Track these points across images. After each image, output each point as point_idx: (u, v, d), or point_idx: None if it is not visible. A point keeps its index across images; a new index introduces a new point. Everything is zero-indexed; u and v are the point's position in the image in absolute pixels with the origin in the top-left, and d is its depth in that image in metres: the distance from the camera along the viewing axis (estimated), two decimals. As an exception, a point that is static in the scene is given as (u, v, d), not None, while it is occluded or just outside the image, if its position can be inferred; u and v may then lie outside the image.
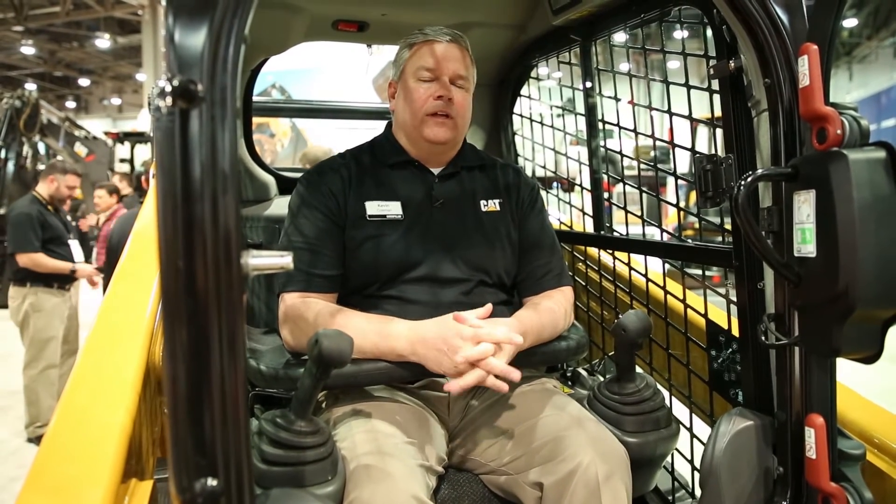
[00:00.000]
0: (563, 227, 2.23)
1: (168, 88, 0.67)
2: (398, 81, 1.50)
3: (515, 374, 1.22)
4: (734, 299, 1.35)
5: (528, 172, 2.29)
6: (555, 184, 2.41)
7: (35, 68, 24.03)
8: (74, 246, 5.93)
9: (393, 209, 1.43)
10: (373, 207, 1.43)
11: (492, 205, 1.52)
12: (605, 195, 1.99)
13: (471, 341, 1.20)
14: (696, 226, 1.65)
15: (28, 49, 21.53)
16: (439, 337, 1.22)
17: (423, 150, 1.49)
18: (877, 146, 0.99)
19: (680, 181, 1.67)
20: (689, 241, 1.67)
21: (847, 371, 1.15)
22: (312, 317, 1.29)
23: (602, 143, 1.97)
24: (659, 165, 1.71)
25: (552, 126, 2.20)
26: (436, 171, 1.51)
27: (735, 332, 1.40)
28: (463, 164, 1.53)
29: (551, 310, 1.43)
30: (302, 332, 1.30)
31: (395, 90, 1.51)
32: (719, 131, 1.34)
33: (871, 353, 1.02)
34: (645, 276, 1.80)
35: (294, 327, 1.32)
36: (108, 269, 3.95)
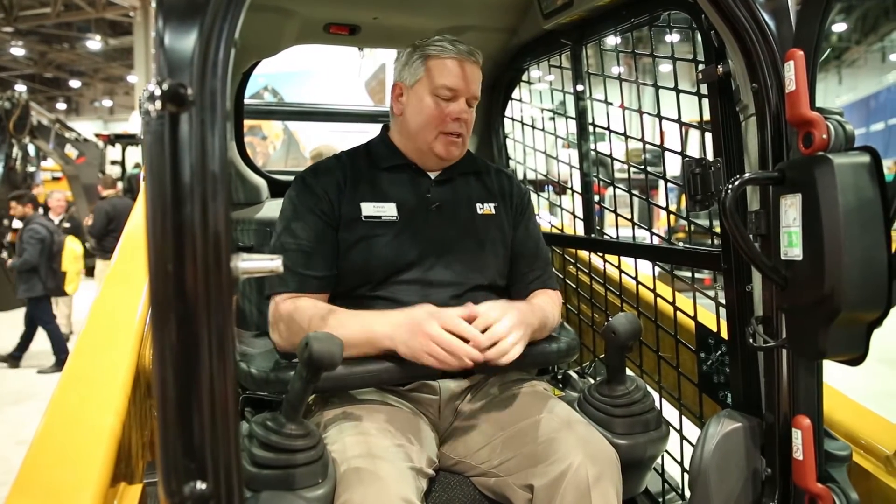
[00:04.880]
0: (554, 230, 2.24)
1: (158, 92, 0.67)
2: (410, 88, 1.46)
3: (477, 356, 1.19)
4: (723, 302, 1.36)
5: (520, 175, 2.31)
6: (547, 186, 2.41)
7: (25, 70, 23.86)
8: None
9: (388, 211, 1.43)
10: (368, 209, 1.43)
11: (487, 208, 1.53)
12: (596, 198, 2.00)
13: (436, 319, 1.20)
14: (688, 229, 1.66)
15: (18, 50, 21.37)
16: (410, 316, 1.23)
17: (428, 162, 1.50)
18: (861, 151, 1.00)
19: (671, 184, 1.68)
20: (680, 243, 1.68)
21: (844, 374, 1.16)
22: (302, 317, 1.29)
23: (593, 146, 1.98)
24: (650, 168, 1.72)
25: (543, 129, 2.21)
26: (432, 174, 1.52)
27: (724, 334, 1.41)
28: (460, 170, 1.54)
29: (542, 306, 1.45)
30: (292, 333, 1.30)
31: (401, 93, 1.48)
32: (708, 135, 1.35)
33: (856, 354, 1.04)
34: (635, 278, 1.81)
35: (285, 328, 1.32)
36: None
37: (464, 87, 1.42)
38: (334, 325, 1.26)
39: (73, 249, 6.62)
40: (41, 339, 5.95)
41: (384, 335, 1.24)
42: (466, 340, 1.20)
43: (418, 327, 1.20)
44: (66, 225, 7.12)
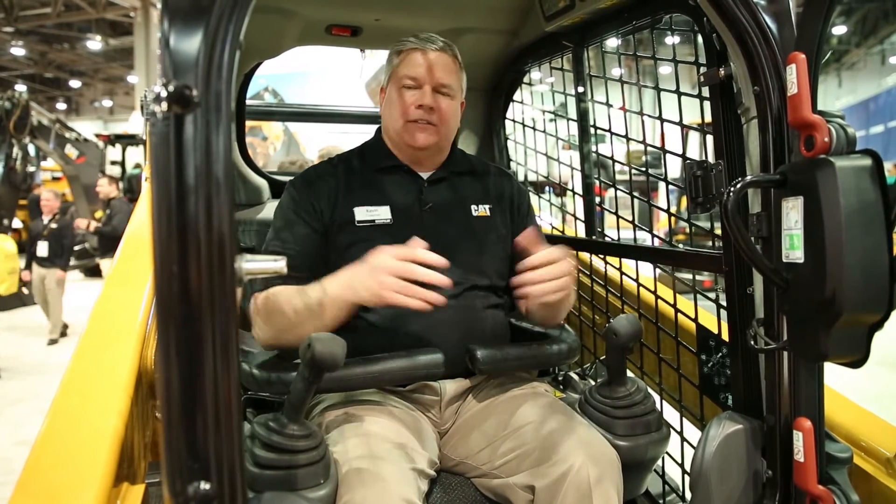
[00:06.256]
0: (555, 232, 2.24)
1: (163, 94, 0.67)
2: (386, 87, 1.51)
3: (444, 280, 1.16)
4: (724, 304, 1.36)
5: (521, 177, 2.31)
6: (547, 188, 2.42)
7: (25, 70, 23.86)
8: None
9: (382, 214, 1.44)
10: (361, 213, 1.43)
11: (482, 210, 1.53)
12: (597, 200, 2.00)
13: (393, 256, 1.16)
14: (688, 231, 1.67)
15: (18, 50, 21.37)
16: (366, 260, 1.20)
17: (408, 155, 1.51)
18: (863, 154, 1.00)
19: (672, 186, 1.69)
20: (680, 245, 1.68)
21: (847, 377, 1.16)
22: (277, 298, 1.30)
23: (594, 148, 1.99)
24: (651, 170, 1.72)
25: (544, 131, 2.21)
26: (425, 175, 1.52)
27: (725, 336, 1.42)
28: (452, 169, 1.55)
29: None
30: (269, 314, 1.31)
31: (384, 96, 1.53)
32: (709, 137, 1.35)
33: (857, 357, 1.04)
34: (636, 280, 1.81)
35: (263, 317, 1.33)
36: None
37: (425, 76, 1.43)
38: (298, 293, 1.27)
39: (5, 248, 6.44)
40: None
41: (344, 286, 1.22)
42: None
43: (373, 266, 1.17)
44: (53, 226, 6.87)
